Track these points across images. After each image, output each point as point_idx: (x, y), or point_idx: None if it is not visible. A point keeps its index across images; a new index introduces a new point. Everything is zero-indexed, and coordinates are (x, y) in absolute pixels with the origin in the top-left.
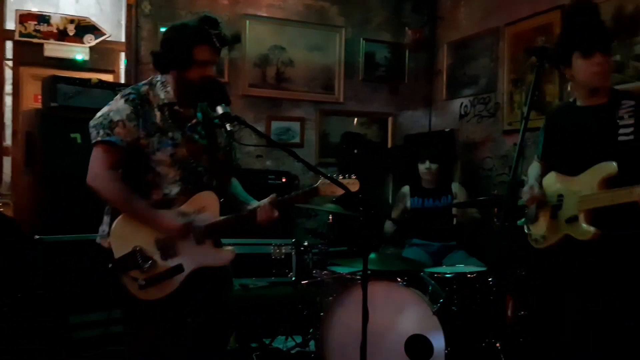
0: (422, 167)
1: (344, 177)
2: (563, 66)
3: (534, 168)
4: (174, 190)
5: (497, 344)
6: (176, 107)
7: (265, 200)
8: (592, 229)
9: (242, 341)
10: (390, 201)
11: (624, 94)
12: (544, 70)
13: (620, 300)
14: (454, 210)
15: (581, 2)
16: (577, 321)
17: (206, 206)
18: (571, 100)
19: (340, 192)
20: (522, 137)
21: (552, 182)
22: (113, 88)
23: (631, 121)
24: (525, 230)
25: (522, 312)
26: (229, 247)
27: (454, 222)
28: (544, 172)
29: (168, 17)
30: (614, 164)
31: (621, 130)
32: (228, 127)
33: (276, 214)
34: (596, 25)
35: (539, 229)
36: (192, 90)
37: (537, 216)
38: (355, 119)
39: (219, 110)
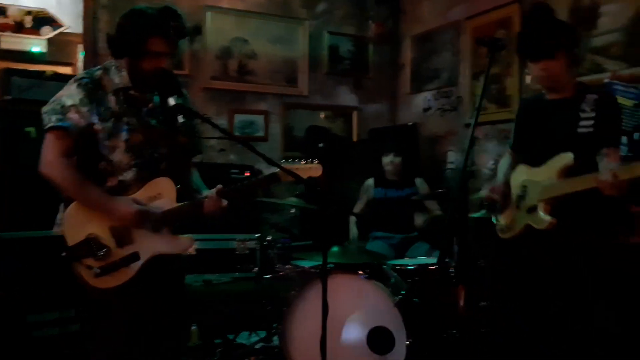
0: (386, 160)
1: (307, 162)
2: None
3: (504, 161)
4: (129, 176)
5: (458, 335)
6: (132, 92)
7: (212, 190)
8: (548, 217)
9: (205, 337)
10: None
11: (589, 88)
12: (501, 62)
13: (573, 289)
14: (418, 221)
15: (536, 7)
16: (538, 311)
17: (162, 193)
18: (542, 92)
19: (305, 175)
20: (473, 128)
21: (520, 174)
22: (69, 80)
23: (592, 114)
24: (493, 221)
25: (483, 303)
26: (188, 236)
27: (418, 220)
28: (514, 164)
29: (126, 9)
30: (571, 154)
31: (582, 123)
32: (180, 119)
33: (224, 203)
34: (545, 32)
35: (504, 219)
36: (144, 79)
37: (503, 207)
38: (321, 113)
39: (171, 101)
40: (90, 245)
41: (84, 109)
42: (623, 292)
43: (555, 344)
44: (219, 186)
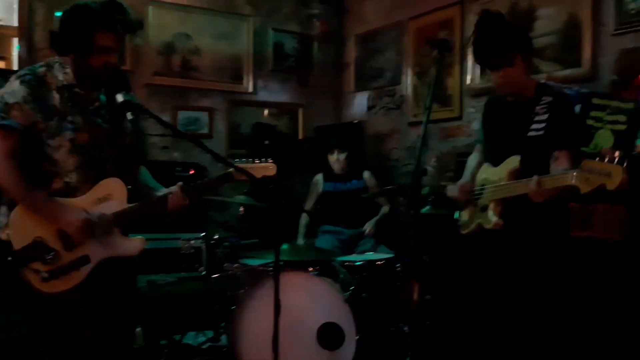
0: (332, 158)
1: (260, 161)
2: None
3: (472, 157)
4: (75, 178)
5: (405, 328)
6: (76, 90)
7: (175, 187)
8: (494, 218)
9: (151, 339)
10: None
11: (547, 89)
12: (445, 62)
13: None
14: (367, 228)
15: (486, 14)
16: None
17: (112, 194)
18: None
19: (258, 175)
20: (424, 128)
21: (482, 171)
22: (5, 75)
23: (544, 117)
24: (455, 216)
25: (427, 297)
26: (139, 237)
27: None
28: (479, 161)
29: (64, 2)
30: (518, 158)
31: (533, 126)
32: (129, 115)
33: (187, 201)
34: (501, 40)
35: (464, 215)
36: (92, 76)
37: (465, 204)
38: (266, 110)
39: (119, 98)
40: (38, 248)
41: (27, 107)
42: (575, 293)
43: (509, 347)
44: (180, 183)
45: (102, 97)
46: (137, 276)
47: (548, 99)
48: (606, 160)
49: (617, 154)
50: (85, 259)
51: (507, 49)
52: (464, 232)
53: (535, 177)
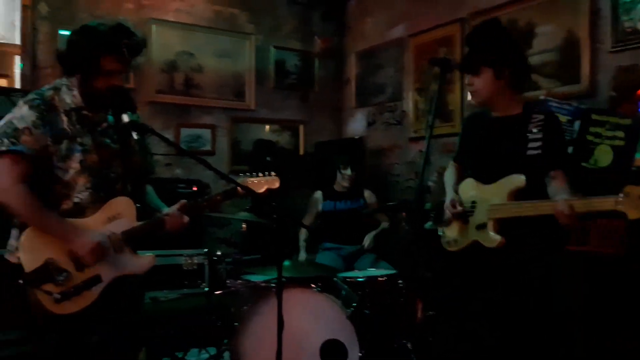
0: (344, 174)
1: (264, 175)
2: None
3: (449, 175)
4: (85, 198)
5: (408, 345)
6: (84, 112)
7: (174, 207)
8: (498, 237)
9: (154, 356)
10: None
11: (535, 107)
12: (447, 80)
13: (516, 300)
14: (366, 242)
15: (482, 23)
16: (482, 320)
17: (122, 212)
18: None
19: (261, 189)
20: (427, 144)
21: (468, 188)
22: (8, 93)
23: (539, 135)
24: (439, 233)
25: (430, 313)
26: (149, 254)
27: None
28: (459, 176)
29: (67, 20)
30: (523, 177)
31: (530, 144)
32: (135, 135)
33: (186, 220)
34: (473, 47)
35: (451, 232)
36: (97, 97)
37: (450, 220)
38: (267, 127)
39: (125, 118)
40: (50, 270)
41: (38, 132)
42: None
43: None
44: (183, 201)
45: (110, 118)
46: (144, 293)
47: (539, 117)
48: None
49: None
50: (96, 279)
51: (474, 56)
52: (451, 249)
53: (566, 199)
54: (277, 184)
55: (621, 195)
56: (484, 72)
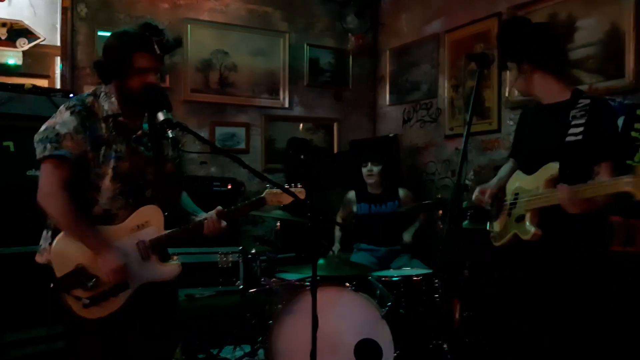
0: (365, 171)
1: (291, 186)
2: None
3: (504, 168)
4: (115, 205)
5: (445, 345)
6: (121, 119)
7: (212, 212)
8: (532, 229)
9: (189, 353)
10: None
11: (585, 93)
12: (484, 76)
13: (557, 300)
14: (406, 237)
15: (509, 21)
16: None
17: (150, 220)
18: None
19: (287, 200)
20: (465, 142)
21: (514, 180)
22: (48, 94)
23: (582, 120)
24: (487, 228)
25: (467, 313)
26: (175, 262)
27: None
28: (513, 170)
29: (105, 21)
30: (557, 164)
31: (571, 130)
32: (170, 133)
33: (224, 224)
34: (499, 45)
35: (497, 226)
36: (133, 99)
37: (498, 214)
38: (301, 125)
39: (160, 116)
40: (79, 275)
41: (79, 137)
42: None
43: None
44: (219, 208)
45: (145, 126)
46: (177, 296)
47: (585, 101)
48: None
49: None
50: (124, 285)
51: (502, 54)
52: (497, 244)
53: (564, 185)
54: (303, 196)
55: (630, 176)
56: (514, 67)
